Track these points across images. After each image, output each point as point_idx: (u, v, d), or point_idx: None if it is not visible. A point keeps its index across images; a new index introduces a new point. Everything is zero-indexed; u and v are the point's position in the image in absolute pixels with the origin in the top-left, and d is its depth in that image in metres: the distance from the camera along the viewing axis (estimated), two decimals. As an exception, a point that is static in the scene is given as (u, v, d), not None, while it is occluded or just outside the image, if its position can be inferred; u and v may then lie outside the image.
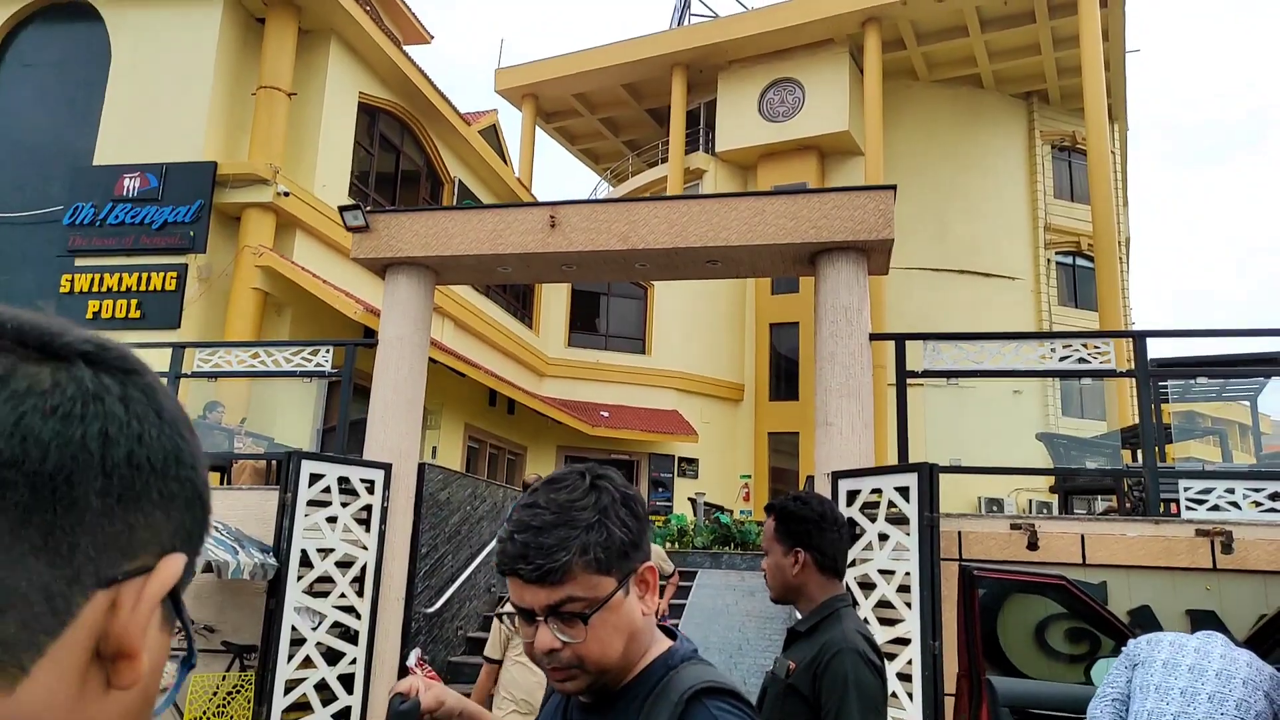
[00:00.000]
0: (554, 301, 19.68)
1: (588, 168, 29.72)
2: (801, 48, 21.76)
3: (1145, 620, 5.18)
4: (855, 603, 5.80)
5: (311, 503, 6.32)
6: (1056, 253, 22.92)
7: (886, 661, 5.54)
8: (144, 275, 10.45)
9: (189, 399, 8.86)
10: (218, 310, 10.79)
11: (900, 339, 6.61)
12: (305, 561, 6.25)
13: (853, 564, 5.96)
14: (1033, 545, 5.58)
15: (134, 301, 10.38)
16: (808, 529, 2.13)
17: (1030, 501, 18.84)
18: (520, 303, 18.79)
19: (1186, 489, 5.69)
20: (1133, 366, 6.22)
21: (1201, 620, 5.12)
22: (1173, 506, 5.95)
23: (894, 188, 6.55)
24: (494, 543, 8.74)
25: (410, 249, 7.03)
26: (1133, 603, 5.28)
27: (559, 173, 71.26)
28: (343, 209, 7.01)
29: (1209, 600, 5.14)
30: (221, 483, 8.33)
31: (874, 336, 6.56)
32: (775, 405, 21.11)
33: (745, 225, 6.54)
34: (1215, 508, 5.55)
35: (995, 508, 18.96)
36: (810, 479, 6.64)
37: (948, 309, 19.98)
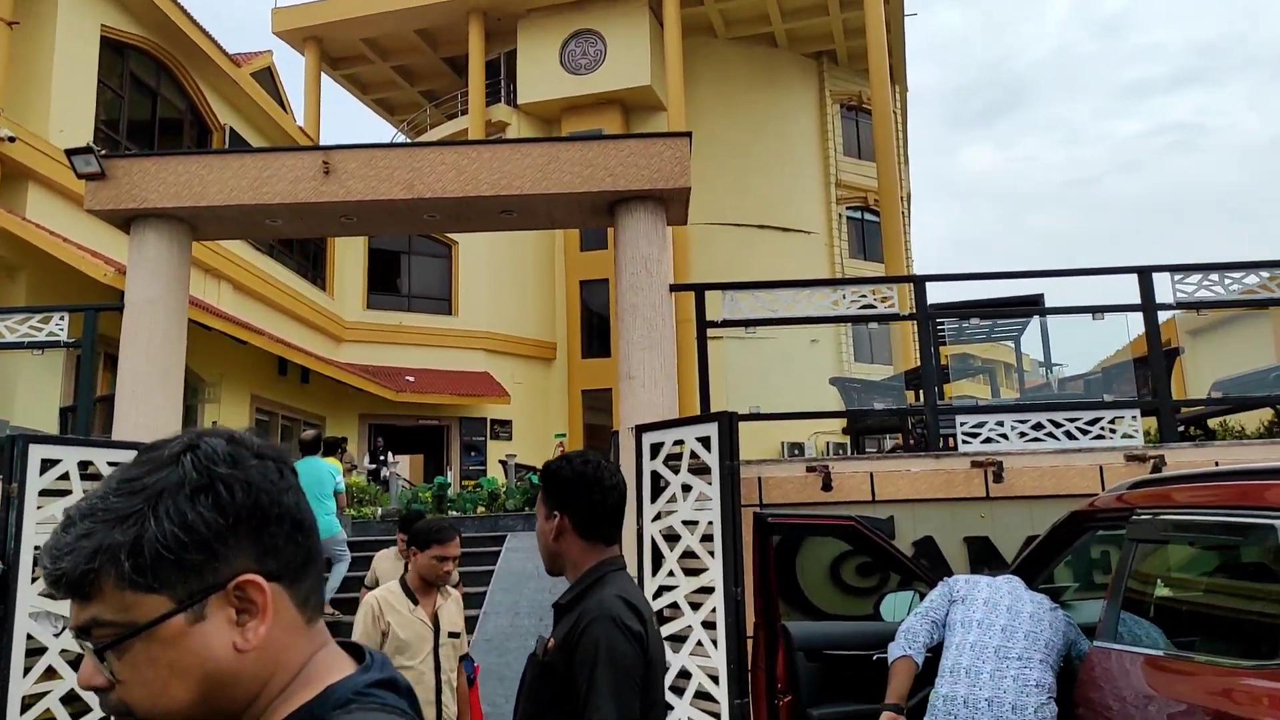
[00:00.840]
0: (349, 261, 18.50)
1: (382, 119, 28.10)
2: (601, -1, 21.45)
3: (929, 550, 5.44)
4: (657, 560, 5.74)
5: (46, 492, 5.46)
6: (847, 208, 24.17)
7: (693, 611, 5.55)
8: None
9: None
10: (-70, 275, 9.20)
11: (700, 289, 6.56)
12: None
13: (657, 518, 5.89)
14: (827, 486, 5.71)
15: None
16: (566, 490, 1.90)
17: (828, 444, 19.94)
18: (311, 263, 17.50)
19: (963, 424, 6.01)
20: (914, 309, 6.49)
21: (977, 546, 5.44)
22: (950, 441, 6.30)
23: (689, 135, 6.42)
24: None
25: (158, 199, 6.16)
26: (917, 534, 5.53)
27: (350, 125, 67.25)
28: (70, 152, 6.03)
29: (983, 527, 5.46)
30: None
31: (674, 288, 6.46)
32: (588, 363, 21.08)
33: (539, 172, 6.21)
34: (988, 440, 5.91)
35: (797, 451, 19.93)
36: (616, 434, 6.50)
37: (749, 263, 20.59)
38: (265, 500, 0.81)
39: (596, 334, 21.20)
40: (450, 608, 4.06)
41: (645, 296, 6.17)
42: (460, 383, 18.77)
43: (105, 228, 9.01)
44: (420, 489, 13.05)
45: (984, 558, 5.30)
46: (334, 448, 8.74)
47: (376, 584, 5.81)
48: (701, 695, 5.51)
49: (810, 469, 5.90)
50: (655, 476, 5.96)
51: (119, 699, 0.77)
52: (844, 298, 6.63)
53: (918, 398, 8.24)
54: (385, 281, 19.37)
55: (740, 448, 5.73)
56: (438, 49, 24.07)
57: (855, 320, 6.94)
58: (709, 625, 5.50)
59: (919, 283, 6.48)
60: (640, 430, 5.99)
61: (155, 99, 12.98)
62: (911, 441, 7.57)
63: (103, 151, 6.17)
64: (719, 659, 5.36)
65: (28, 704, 5.31)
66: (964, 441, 5.95)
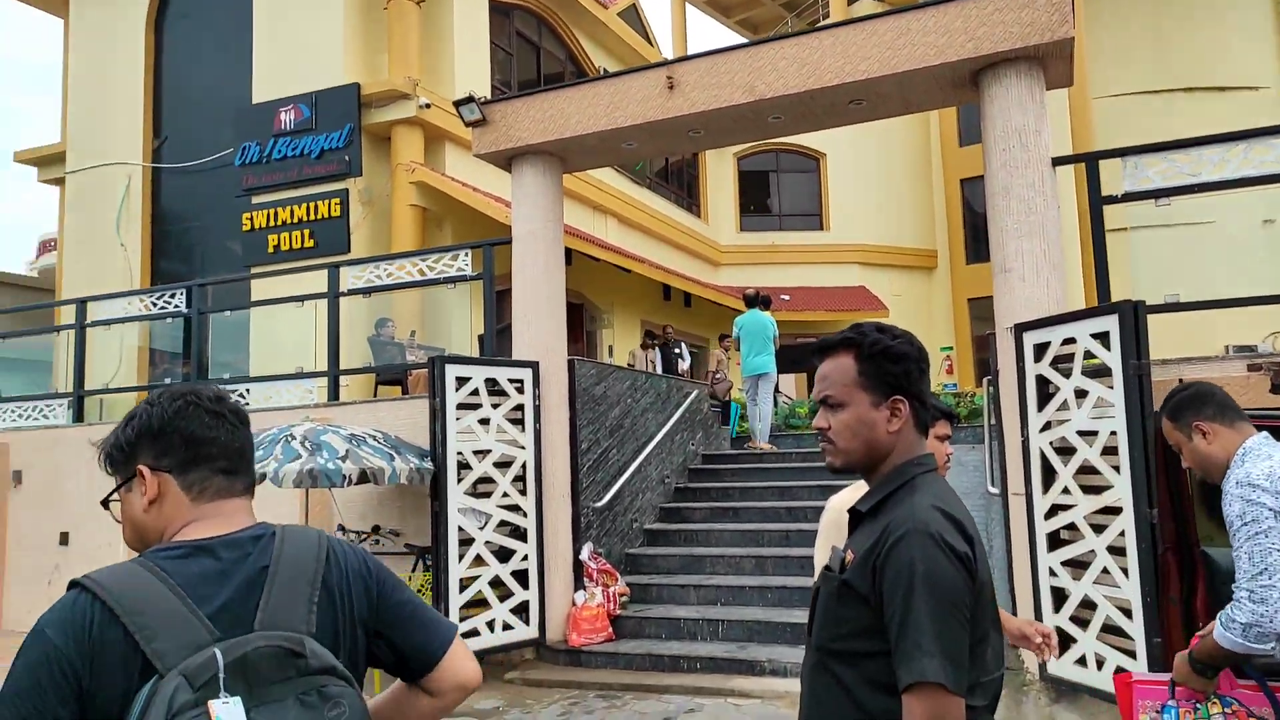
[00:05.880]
0: (721, 186, 18.92)
1: (747, 40, 28.05)
2: None
3: None
4: (1048, 476, 5.04)
5: (462, 406, 6.31)
6: (1316, 49, 19.06)
7: (1095, 534, 4.81)
8: (312, 205, 10.87)
9: (359, 316, 9.12)
10: (383, 230, 11.09)
11: (1091, 158, 5.55)
12: (464, 464, 6.28)
13: (1046, 427, 5.16)
14: (1277, 388, 4.55)
15: (306, 231, 10.85)
16: (908, 369, 1.54)
17: (1290, 346, 16.27)
18: (686, 192, 18.19)
19: None
20: None
21: None
22: None
23: (1072, -27, 5.36)
24: (661, 432, 8.52)
25: (529, 136, 6.68)
26: None
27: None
28: (458, 103, 6.75)
29: None
30: (403, 395, 8.62)
31: (1057, 160, 5.52)
32: (974, 269, 19.42)
33: (888, 50, 5.63)
34: None
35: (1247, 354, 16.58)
36: (990, 336, 5.80)
37: (1177, 134, 17.24)
38: (165, 424, 1.30)
39: (983, 237, 19.33)
40: None
41: (1020, 175, 5.35)
42: (835, 298, 18.42)
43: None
44: (796, 404, 13.11)
45: None
46: (769, 303, 10.35)
47: None
48: (1110, 629, 4.80)
49: (1253, 367, 4.76)
50: (1042, 381, 5.23)
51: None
52: (1302, 149, 5.16)
53: None
54: (756, 203, 19.51)
55: (1154, 346, 4.78)
56: (797, -46, 23.28)
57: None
58: (1116, 551, 4.74)
59: None
60: (1020, 329, 5.27)
61: (538, 53, 14.20)
62: None
63: (483, 98, 6.81)
64: (1131, 590, 4.61)
65: (464, 585, 6.25)
66: None
